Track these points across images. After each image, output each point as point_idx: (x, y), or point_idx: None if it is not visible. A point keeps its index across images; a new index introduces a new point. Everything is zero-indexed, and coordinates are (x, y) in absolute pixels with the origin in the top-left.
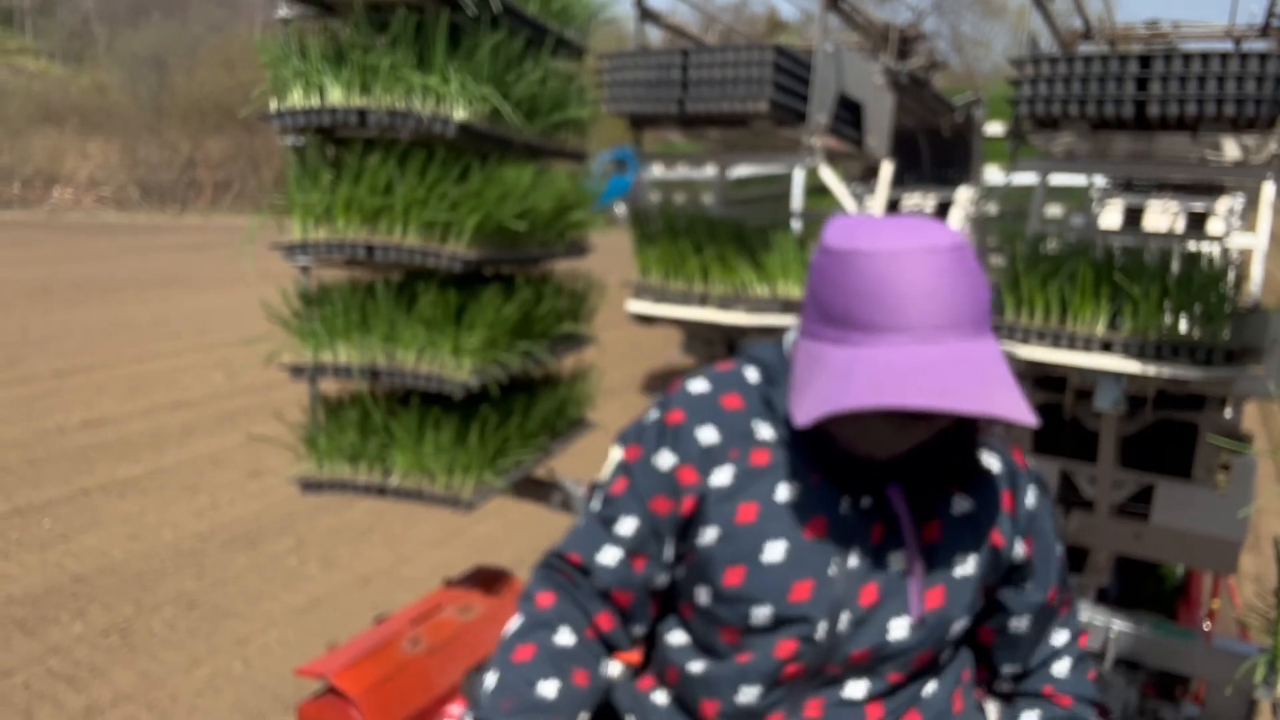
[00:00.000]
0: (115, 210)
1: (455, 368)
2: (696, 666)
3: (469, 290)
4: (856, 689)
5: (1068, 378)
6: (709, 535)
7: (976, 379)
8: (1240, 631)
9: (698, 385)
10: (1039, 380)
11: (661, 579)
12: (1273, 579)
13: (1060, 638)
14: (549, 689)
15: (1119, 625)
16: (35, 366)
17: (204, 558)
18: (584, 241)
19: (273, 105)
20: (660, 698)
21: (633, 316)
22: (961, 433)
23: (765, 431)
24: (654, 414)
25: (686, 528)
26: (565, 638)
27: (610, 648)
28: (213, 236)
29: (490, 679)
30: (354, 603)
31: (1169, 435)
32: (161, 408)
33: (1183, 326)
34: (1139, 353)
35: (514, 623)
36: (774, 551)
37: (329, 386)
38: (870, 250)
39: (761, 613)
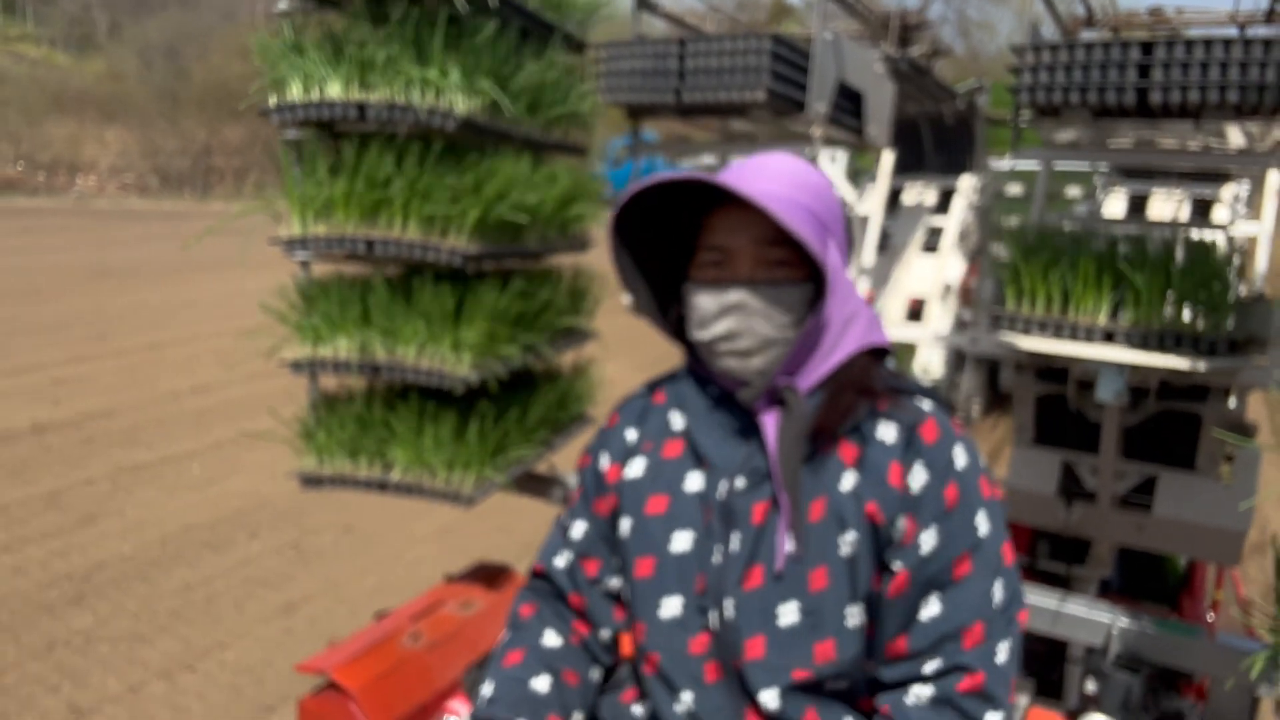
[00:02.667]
0: (138, 197)
1: (455, 363)
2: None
3: (469, 285)
4: (770, 697)
5: (1069, 368)
6: (625, 527)
7: (752, 186)
8: (1245, 627)
9: (640, 388)
10: (1040, 371)
11: (614, 582)
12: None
13: (931, 665)
14: (541, 684)
15: (1121, 622)
16: (124, 342)
17: (345, 495)
18: (585, 235)
19: (272, 100)
20: (639, 710)
21: (630, 308)
22: (838, 397)
23: (679, 421)
24: (604, 423)
25: (613, 522)
26: (551, 639)
27: (595, 659)
28: (241, 221)
29: (486, 688)
30: (480, 527)
31: (1172, 426)
32: (258, 376)
33: (1186, 316)
34: (1142, 343)
35: (503, 637)
36: (681, 541)
37: (329, 381)
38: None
39: (672, 603)
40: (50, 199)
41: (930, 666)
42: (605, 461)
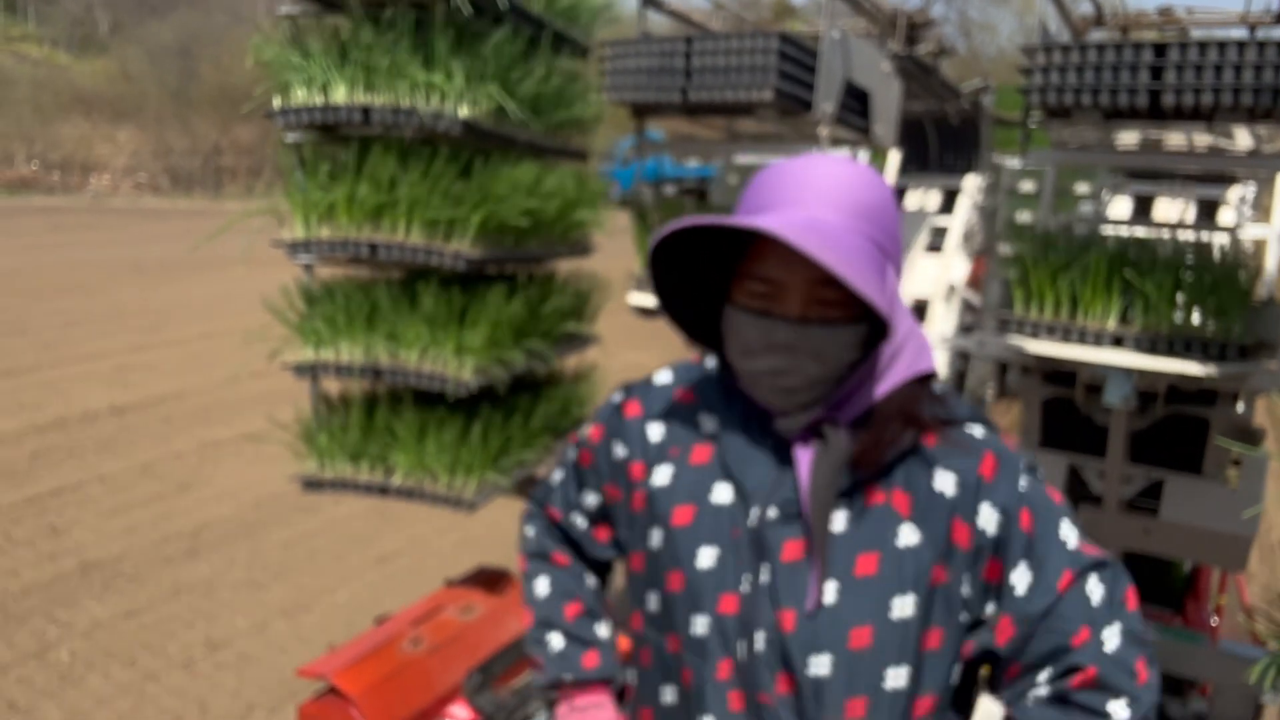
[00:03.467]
0: (153, 195)
1: (458, 367)
2: (667, 696)
3: (472, 289)
4: None
5: (1077, 372)
6: (656, 538)
7: (809, 229)
8: (1250, 634)
9: (661, 377)
10: (1048, 374)
11: (613, 553)
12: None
13: (1045, 674)
14: (604, 630)
15: None
16: (177, 332)
17: None
18: (588, 240)
19: (276, 103)
20: None
21: (634, 309)
22: (883, 428)
23: (709, 424)
24: (617, 398)
25: (636, 524)
26: (591, 581)
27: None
28: (258, 220)
29: (556, 640)
30: None
31: (1179, 430)
32: None
33: (1195, 321)
34: (1150, 348)
35: (543, 583)
36: (706, 557)
37: (331, 385)
38: (778, 162)
39: (701, 621)
40: (67, 198)
41: (1044, 675)
42: (622, 451)
